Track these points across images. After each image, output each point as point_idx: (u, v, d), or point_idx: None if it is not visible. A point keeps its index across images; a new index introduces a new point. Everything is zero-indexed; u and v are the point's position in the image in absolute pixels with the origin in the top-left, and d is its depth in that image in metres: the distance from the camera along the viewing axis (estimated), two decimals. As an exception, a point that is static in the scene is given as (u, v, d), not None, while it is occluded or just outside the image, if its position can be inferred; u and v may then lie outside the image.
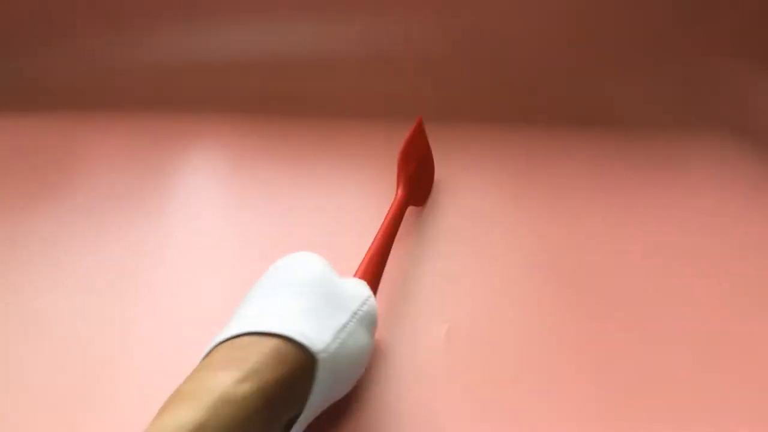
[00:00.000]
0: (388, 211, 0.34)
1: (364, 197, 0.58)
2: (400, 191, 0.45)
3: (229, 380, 0.22)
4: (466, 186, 0.60)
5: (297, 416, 0.26)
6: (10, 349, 0.41)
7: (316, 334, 0.25)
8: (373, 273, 0.37)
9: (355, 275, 0.36)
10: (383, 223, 0.41)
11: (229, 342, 0.25)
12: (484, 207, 0.57)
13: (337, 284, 0.29)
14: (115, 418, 0.36)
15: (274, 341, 0.24)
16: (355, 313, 0.29)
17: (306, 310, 0.26)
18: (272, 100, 0.71)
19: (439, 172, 0.62)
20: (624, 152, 0.67)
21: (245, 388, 0.22)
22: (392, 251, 0.50)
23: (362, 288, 0.32)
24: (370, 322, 0.30)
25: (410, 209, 0.56)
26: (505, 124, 0.70)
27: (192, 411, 0.21)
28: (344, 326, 0.28)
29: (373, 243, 0.39)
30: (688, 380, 0.39)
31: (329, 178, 0.60)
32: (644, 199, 0.60)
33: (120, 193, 0.57)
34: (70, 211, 0.54)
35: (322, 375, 0.25)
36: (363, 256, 0.48)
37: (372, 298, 0.32)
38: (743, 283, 0.49)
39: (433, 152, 0.66)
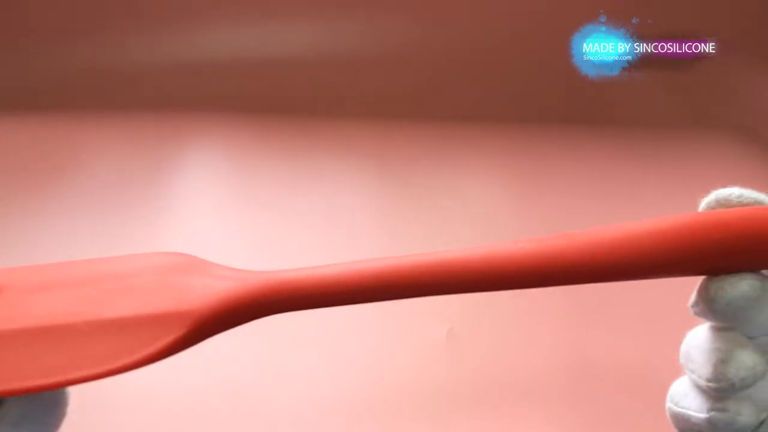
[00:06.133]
0: None
1: (363, 197, 0.58)
2: None
3: None
4: (466, 185, 0.60)
5: None
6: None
7: None
8: None
9: None
10: None
11: None
12: (484, 207, 0.57)
13: None
14: (116, 415, 0.36)
15: None
16: None
17: None
18: (272, 100, 0.71)
19: (440, 173, 0.62)
20: (625, 152, 0.67)
21: None
22: (392, 251, 0.50)
23: None
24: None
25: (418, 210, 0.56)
26: (505, 124, 0.69)
27: None
28: None
29: None
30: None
31: (329, 177, 0.60)
32: (645, 199, 0.59)
33: (119, 193, 0.57)
34: (69, 211, 0.54)
35: None
36: (362, 255, 0.48)
37: None
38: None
39: (433, 152, 0.65)
